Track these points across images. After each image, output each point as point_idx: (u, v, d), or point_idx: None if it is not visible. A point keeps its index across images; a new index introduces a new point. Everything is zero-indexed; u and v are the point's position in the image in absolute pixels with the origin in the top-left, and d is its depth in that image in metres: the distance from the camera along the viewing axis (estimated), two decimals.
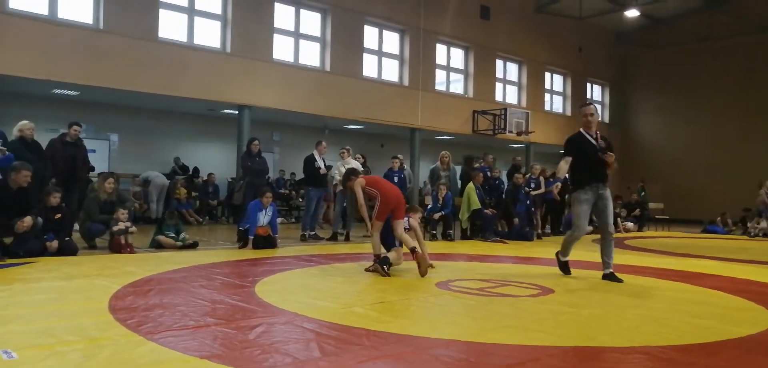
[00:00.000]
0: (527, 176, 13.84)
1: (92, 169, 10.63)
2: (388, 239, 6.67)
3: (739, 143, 22.99)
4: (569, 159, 6.26)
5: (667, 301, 5.40)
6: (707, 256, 9.84)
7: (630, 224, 16.75)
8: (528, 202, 12.72)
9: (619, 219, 16.47)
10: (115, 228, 7.92)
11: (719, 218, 17.88)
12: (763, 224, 16.29)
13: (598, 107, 26.35)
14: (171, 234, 8.74)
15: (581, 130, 6.32)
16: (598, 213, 6.28)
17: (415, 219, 7.03)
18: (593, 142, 6.15)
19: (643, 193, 18.65)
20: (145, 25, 13.88)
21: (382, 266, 6.37)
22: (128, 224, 8.07)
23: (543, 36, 22.74)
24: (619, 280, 6.20)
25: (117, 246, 7.83)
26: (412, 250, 6.30)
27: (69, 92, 13.93)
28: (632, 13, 21.73)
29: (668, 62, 25.05)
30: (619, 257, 9.28)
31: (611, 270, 6.33)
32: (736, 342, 3.85)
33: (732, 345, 3.78)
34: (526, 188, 13.16)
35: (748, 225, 17.26)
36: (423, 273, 6.19)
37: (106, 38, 13.31)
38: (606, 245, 6.36)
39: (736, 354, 3.59)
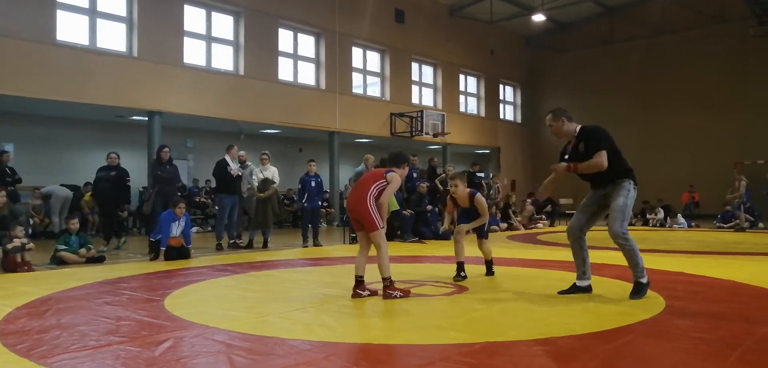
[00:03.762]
0: (442, 177, 14.11)
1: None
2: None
3: (642, 138, 24.53)
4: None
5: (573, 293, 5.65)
6: (610, 247, 10.40)
7: (541, 224, 17.33)
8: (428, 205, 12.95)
9: (512, 214, 16.87)
10: (9, 246, 7.37)
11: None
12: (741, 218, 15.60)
13: (510, 108, 27.50)
14: (74, 247, 8.24)
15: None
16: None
17: None
18: (565, 153, 5.62)
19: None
20: (40, 27, 13.02)
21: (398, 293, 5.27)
22: (25, 240, 7.54)
23: (456, 39, 23.32)
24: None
25: (11, 265, 7.29)
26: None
27: None
28: (539, 18, 22.72)
29: (574, 64, 26.38)
30: (532, 252, 9.70)
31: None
32: (630, 328, 4.10)
33: (626, 331, 4.01)
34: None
35: (647, 216, 18.45)
36: None
37: None
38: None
39: (629, 339, 3.82)
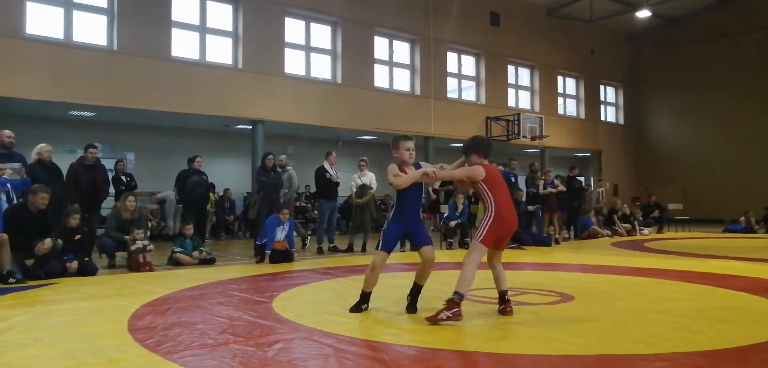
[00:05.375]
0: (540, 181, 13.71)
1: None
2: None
3: (758, 139, 22.63)
4: None
5: (691, 305, 5.29)
6: (730, 257, 9.66)
7: (646, 230, 16.44)
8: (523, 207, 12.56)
9: (635, 222, 16.26)
10: (132, 247, 7.96)
11: (743, 217, 17.49)
12: None
13: (612, 109, 26.28)
14: (188, 250, 8.76)
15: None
16: None
17: None
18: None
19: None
20: (157, 45, 14.03)
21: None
22: (146, 242, 8.11)
23: (554, 40, 22.62)
24: None
25: (135, 265, 7.87)
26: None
27: (85, 113, 14.10)
28: (644, 14, 21.55)
29: (682, 61, 24.78)
30: (640, 260, 9.17)
31: None
32: (763, 347, 3.75)
33: (761, 349, 3.68)
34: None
35: None
36: None
37: (119, 59, 13.47)
38: None
39: (765, 358, 3.50)
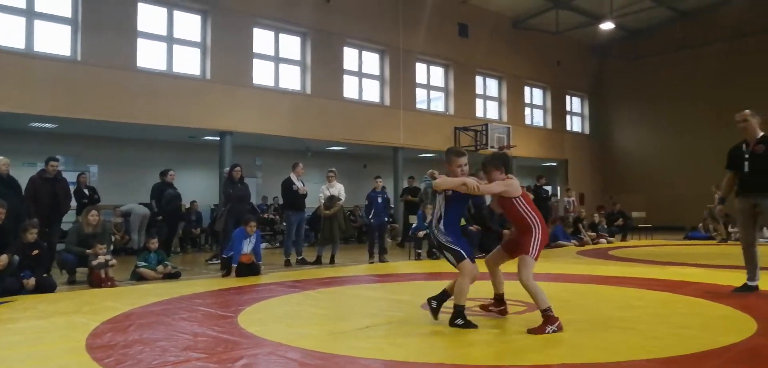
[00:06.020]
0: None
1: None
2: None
3: (717, 149, 23.23)
4: None
5: (651, 312, 5.41)
6: (690, 263, 9.93)
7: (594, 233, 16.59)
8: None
9: (600, 230, 16.58)
10: (94, 262, 7.79)
11: (701, 224, 18.03)
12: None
13: (578, 120, 26.78)
14: (152, 264, 8.61)
15: None
16: None
17: None
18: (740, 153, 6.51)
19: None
20: (123, 56, 13.80)
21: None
22: (108, 257, 7.95)
23: (521, 51, 22.98)
24: None
25: (97, 281, 7.69)
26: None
27: (47, 125, 13.76)
28: (607, 26, 22.06)
29: (645, 72, 25.42)
30: (604, 268, 9.35)
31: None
32: (719, 352, 3.86)
33: (716, 355, 3.78)
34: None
35: (730, 229, 17.44)
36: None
37: (83, 70, 13.20)
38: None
39: (719, 364, 3.60)
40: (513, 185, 4.79)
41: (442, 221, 4.84)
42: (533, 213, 4.78)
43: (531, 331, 4.50)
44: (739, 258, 6.58)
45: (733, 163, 6.48)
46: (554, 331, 4.48)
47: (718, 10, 22.64)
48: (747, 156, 6.24)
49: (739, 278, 6.66)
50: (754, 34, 21.90)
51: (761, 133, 6.29)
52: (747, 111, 6.40)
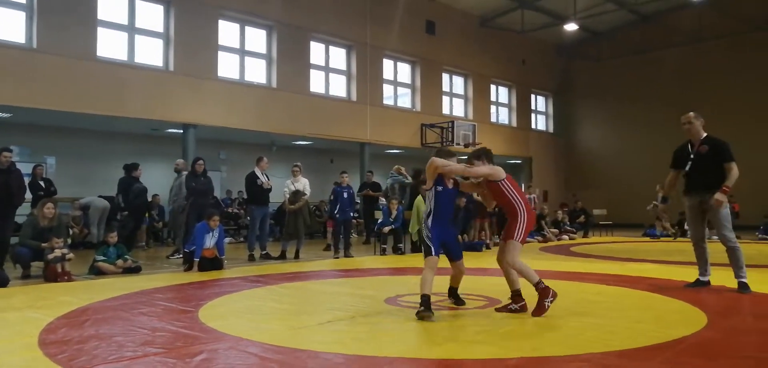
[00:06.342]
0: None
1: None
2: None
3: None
4: None
5: (609, 307, 5.54)
6: (647, 259, 10.20)
7: (556, 230, 16.92)
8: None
9: (563, 226, 16.90)
10: (50, 256, 7.57)
11: (656, 221, 18.51)
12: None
13: (542, 118, 27.21)
14: (112, 258, 8.41)
15: None
16: None
17: None
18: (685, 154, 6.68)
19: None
20: (82, 44, 13.42)
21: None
22: (65, 251, 7.73)
23: (487, 49, 23.20)
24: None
25: (52, 275, 7.48)
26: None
27: (0, 114, 13.31)
28: (571, 27, 22.45)
29: (607, 72, 25.97)
30: (565, 264, 9.53)
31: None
32: (672, 344, 3.98)
33: (668, 347, 3.90)
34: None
35: (686, 227, 17.96)
36: None
37: (39, 57, 12.80)
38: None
39: (670, 356, 3.71)
40: (498, 169, 5.16)
41: (430, 216, 5.11)
42: (519, 197, 5.11)
43: (534, 314, 4.87)
44: (692, 255, 6.78)
45: (677, 163, 6.70)
46: (551, 301, 4.89)
47: (676, 15, 23.28)
48: (692, 156, 6.44)
49: (692, 274, 6.88)
50: (710, 39, 22.57)
51: (705, 134, 6.49)
52: (691, 113, 6.67)
